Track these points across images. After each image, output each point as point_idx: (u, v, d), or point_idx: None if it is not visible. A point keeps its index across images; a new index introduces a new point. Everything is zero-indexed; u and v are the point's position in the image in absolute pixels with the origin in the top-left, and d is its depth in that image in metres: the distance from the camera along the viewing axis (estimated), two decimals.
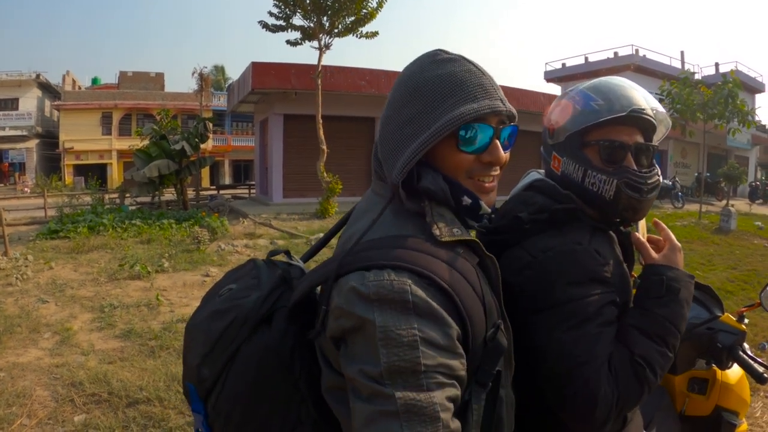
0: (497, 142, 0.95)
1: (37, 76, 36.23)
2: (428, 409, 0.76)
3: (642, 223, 1.36)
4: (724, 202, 21.10)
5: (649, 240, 1.28)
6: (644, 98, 1.21)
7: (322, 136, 13.69)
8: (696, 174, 22.54)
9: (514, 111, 0.98)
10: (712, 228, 13.00)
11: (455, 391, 0.80)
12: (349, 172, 16.62)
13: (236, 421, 0.95)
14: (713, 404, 1.77)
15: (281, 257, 1.16)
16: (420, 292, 0.80)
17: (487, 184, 0.97)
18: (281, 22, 13.82)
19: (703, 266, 8.64)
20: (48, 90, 38.06)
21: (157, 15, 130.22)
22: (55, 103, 36.08)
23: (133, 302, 5.75)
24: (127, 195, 16.44)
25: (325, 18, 13.40)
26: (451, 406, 0.79)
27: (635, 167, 1.20)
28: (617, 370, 1.06)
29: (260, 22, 13.93)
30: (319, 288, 0.96)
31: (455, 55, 0.97)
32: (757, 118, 18.36)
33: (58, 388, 3.67)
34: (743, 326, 1.72)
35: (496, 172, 0.98)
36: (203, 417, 0.99)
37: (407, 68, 0.99)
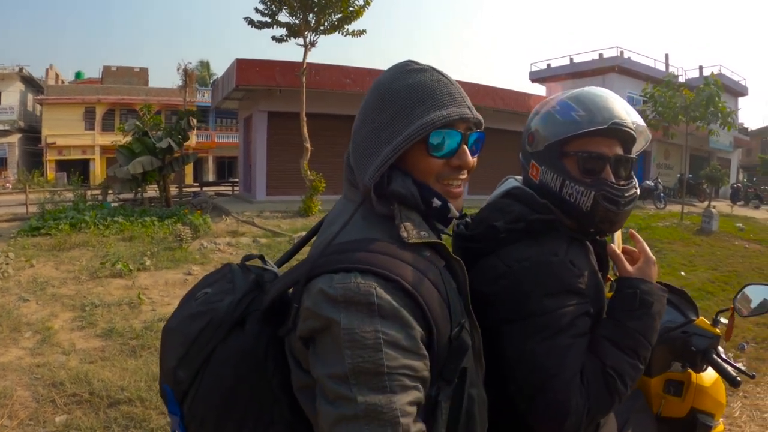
0: (465, 147, 1.00)
1: (20, 69, 35.55)
2: (388, 414, 0.79)
3: (618, 234, 1.38)
4: (706, 203, 21.39)
5: (624, 251, 1.30)
6: (625, 110, 1.23)
7: (306, 134, 13.65)
8: (678, 175, 22.81)
9: (480, 118, 1.02)
10: (693, 229, 13.16)
11: (418, 394, 0.83)
12: (333, 171, 16.55)
13: (212, 423, 0.97)
14: (689, 406, 1.81)
15: (256, 262, 1.18)
16: (385, 295, 0.83)
17: (454, 189, 1.01)
18: (267, 19, 13.74)
19: (684, 267, 8.75)
20: (31, 84, 37.40)
21: (143, 9, 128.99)
22: (38, 97, 35.47)
23: (115, 301, 5.71)
24: (110, 192, 16.25)
25: (311, 15, 13.34)
26: (413, 410, 0.81)
27: (613, 179, 1.21)
28: (589, 381, 1.08)
29: (246, 18, 13.84)
30: (291, 290, 0.98)
31: (425, 65, 1.01)
32: (739, 121, 18.66)
33: (39, 388, 3.63)
34: (717, 330, 1.74)
35: (464, 176, 1.02)
36: (180, 419, 1.01)
37: (379, 78, 1.03)
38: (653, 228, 12.81)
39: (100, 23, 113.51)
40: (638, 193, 1.26)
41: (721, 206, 21.42)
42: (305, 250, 1.21)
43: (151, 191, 17.17)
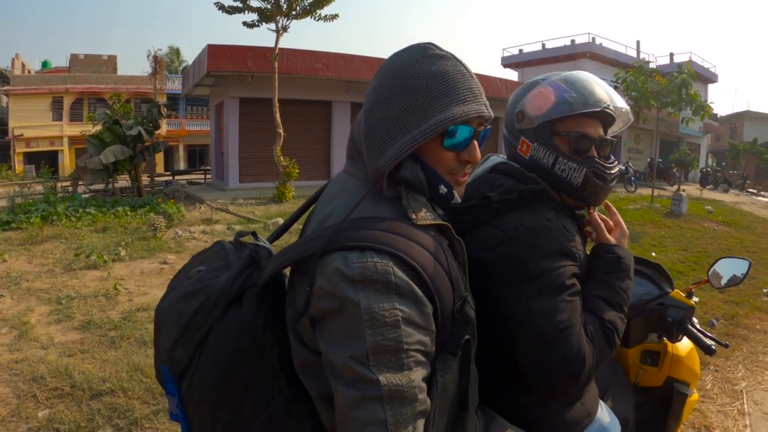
0: (476, 143, 1.02)
1: None
2: (409, 393, 0.83)
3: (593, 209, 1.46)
4: (676, 187, 21.84)
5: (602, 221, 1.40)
6: (609, 95, 1.32)
7: (279, 120, 13.58)
8: (649, 159, 23.23)
9: (492, 114, 1.03)
10: (663, 212, 13.47)
11: (427, 369, 0.87)
12: (306, 156, 16.57)
13: (211, 401, 0.98)
14: (665, 375, 1.88)
15: (248, 239, 1.19)
16: (401, 274, 0.86)
17: (461, 178, 1.05)
18: (238, 3, 13.53)
19: (655, 248, 8.96)
20: None
21: None
22: (4, 88, 34.35)
23: (91, 293, 5.61)
24: (80, 183, 15.93)
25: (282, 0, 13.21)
26: (425, 386, 0.86)
27: (598, 158, 1.31)
28: (592, 333, 1.16)
29: (216, 3, 13.59)
30: (287, 270, 1.01)
31: (447, 52, 1.01)
32: (713, 111, 18.99)
33: (20, 383, 3.57)
34: (692, 302, 1.83)
35: (470, 170, 1.05)
36: (177, 399, 1.01)
37: (397, 58, 1.02)
38: (624, 211, 13.07)
39: (66, 11, 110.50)
40: (620, 170, 1.37)
41: (691, 190, 21.92)
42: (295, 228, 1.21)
43: (123, 181, 16.87)
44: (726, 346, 1.80)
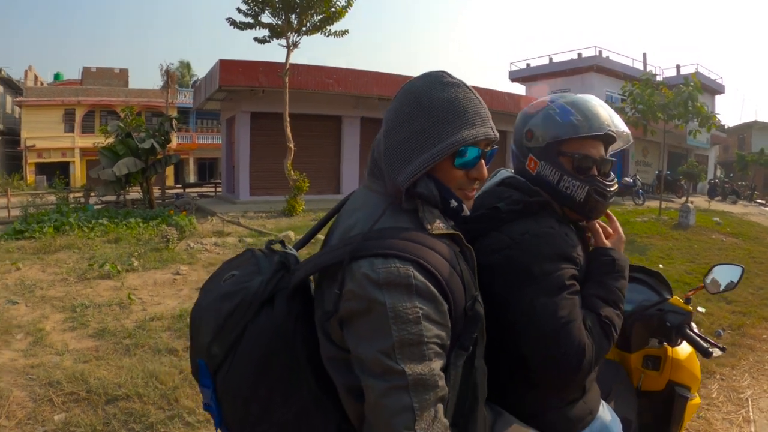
0: (483, 162, 1.15)
1: None
2: (430, 380, 0.95)
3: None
4: (684, 199, 21.80)
5: (600, 227, 1.51)
6: (611, 117, 1.44)
7: (290, 134, 13.73)
8: (657, 172, 23.21)
9: (498, 136, 1.15)
10: (671, 224, 13.47)
11: (444, 360, 0.99)
12: (317, 170, 16.68)
13: (243, 395, 1.08)
14: (666, 379, 1.95)
15: (277, 246, 1.29)
16: (420, 277, 0.99)
17: (470, 193, 1.18)
18: (249, 20, 13.75)
19: (662, 260, 8.98)
20: (9, 86, 36.81)
21: (122, 10, 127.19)
22: (17, 99, 34.93)
23: (105, 302, 5.71)
24: (93, 194, 16.15)
25: (293, 16, 13.38)
26: (443, 375, 0.97)
27: (598, 176, 1.43)
28: (591, 328, 1.27)
29: (228, 19, 13.83)
30: (311, 277, 1.12)
31: (458, 80, 1.14)
32: (720, 122, 19.01)
33: (36, 388, 3.65)
34: (690, 307, 1.92)
35: (478, 185, 1.17)
36: (212, 391, 1.11)
37: (414, 84, 1.15)
38: (632, 223, 13.08)
39: (78, 24, 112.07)
40: (618, 188, 1.47)
41: (699, 202, 21.86)
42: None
43: (134, 193, 17.08)
44: (723, 349, 1.88)
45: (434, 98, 1.10)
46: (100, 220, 10.85)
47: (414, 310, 0.96)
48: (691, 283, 7.42)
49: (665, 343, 1.93)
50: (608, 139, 1.46)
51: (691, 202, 17.54)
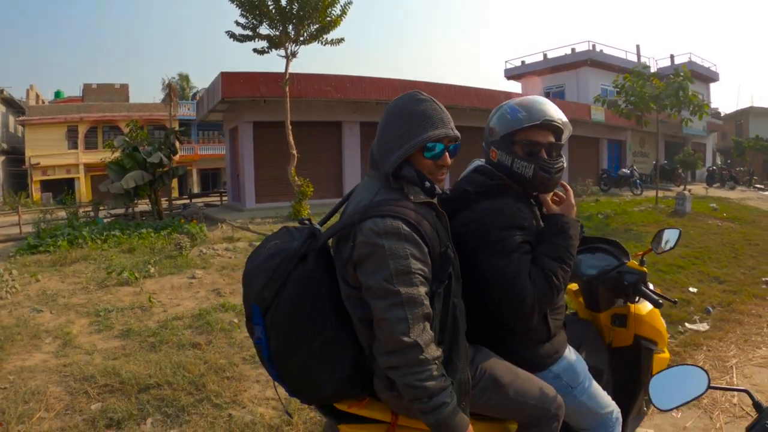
0: (447, 153, 1.57)
1: (1, 91, 35.54)
2: (418, 299, 1.37)
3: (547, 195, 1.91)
4: (682, 187, 22.02)
5: (555, 195, 1.87)
6: (554, 111, 1.78)
7: (292, 142, 14.04)
8: (654, 162, 23.45)
9: (458, 135, 1.58)
10: (668, 211, 13.71)
11: (427, 288, 1.40)
12: (320, 175, 17.02)
13: (286, 328, 1.49)
14: (632, 334, 2.28)
15: (305, 223, 1.70)
16: (407, 228, 1.40)
17: (439, 177, 1.60)
18: (248, 32, 14.07)
19: None
20: (12, 105, 37.39)
21: (117, 25, 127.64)
22: (20, 118, 35.48)
23: (127, 306, 6.00)
24: (102, 207, 16.48)
25: (290, 26, 13.70)
26: (427, 298, 1.39)
27: (546, 157, 1.77)
28: (534, 278, 1.63)
29: (228, 32, 14.14)
30: (330, 242, 1.56)
31: (428, 97, 1.56)
32: (712, 106, 19.17)
33: (71, 382, 3.91)
34: (644, 268, 2.27)
35: (445, 171, 1.60)
36: (262, 327, 1.50)
37: (397, 102, 1.60)
38: (629, 213, 13.34)
39: (76, 42, 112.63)
40: (564, 165, 1.81)
41: (697, 189, 22.09)
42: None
43: (142, 205, 17.41)
44: (675, 302, 2.22)
45: (410, 110, 1.54)
46: (112, 232, 11.14)
47: (404, 249, 1.39)
48: (685, 266, 7.70)
49: (628, 303, 2.26)
50: (551, 127, 1.79)
51: (689, 190, 17.76)
